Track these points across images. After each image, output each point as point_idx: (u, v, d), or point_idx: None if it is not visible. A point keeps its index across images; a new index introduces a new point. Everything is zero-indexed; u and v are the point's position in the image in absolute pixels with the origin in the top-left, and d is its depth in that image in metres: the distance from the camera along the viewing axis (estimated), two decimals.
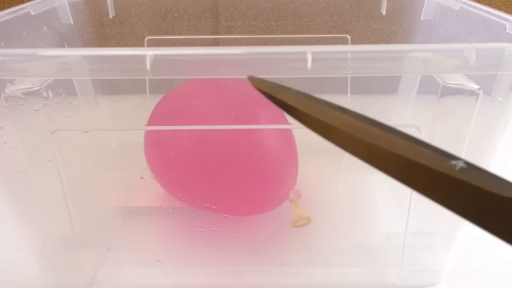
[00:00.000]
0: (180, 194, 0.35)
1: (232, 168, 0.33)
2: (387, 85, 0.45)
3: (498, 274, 0.34)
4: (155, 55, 0.23)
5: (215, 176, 0.33)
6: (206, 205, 0.34)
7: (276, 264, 0.34)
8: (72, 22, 0.42)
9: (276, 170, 0.34)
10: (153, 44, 0.51)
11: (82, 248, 0.32)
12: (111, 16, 0.47)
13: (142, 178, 0.36)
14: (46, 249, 0.32)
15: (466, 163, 0.10)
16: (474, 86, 0.26)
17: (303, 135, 0.36)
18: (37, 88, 0.26)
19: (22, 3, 0.35)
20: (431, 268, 0.33)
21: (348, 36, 0.52)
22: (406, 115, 0.41)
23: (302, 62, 0.23)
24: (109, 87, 0.47)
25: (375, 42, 0.53)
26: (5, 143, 0.28)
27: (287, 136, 0.35)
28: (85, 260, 0.33)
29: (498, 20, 0.30)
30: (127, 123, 0.40)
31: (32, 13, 0.36)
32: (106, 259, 0.35)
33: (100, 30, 0.48)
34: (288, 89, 0.13)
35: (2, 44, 0.31)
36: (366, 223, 0.37)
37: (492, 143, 0.28)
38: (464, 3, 0.36)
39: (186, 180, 0.34)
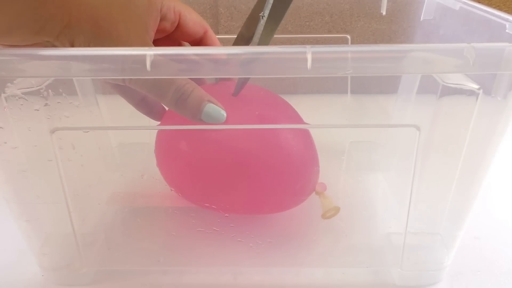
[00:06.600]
0: (195, 195, 0.35)
1: (257, 167, 0.32)
2: (387, 85, 0.45)
3: (498, 274, 0.34)
4: (155, 55, 0.23)
5: (237, 176, 0.32)
6: (227, 206, 0.34)
7: (276, 264, 0.34)
8: None
9: (300, 169, 0.34)
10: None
11: (82, 247, 0.32)
12: None
13: (142, 177, 0.36)
14: (47, 248, 0.32)
15: None
16: (474, 86, 0.26)
17: None
18: (37, 88, 0.26)
19: None
20: (431, 267, 0.33)
21: (348, 36, 0.52)
22: (406, 115, 0.41)
23: (302, 62, 0.23)
24: (109, 87, 0.47)
25: (375, 42, 0.53)
26: (6, 142, 0.28)
27: (306, 136, 0.35)
28: (85, 259, 0.33)
29: (498, 20, 0.30)
30: (127, 123, 0.40)
31: None
32: (107, 259, 0.35)
33: None
34: None
35: None
36: (366, 223, 0.37)
37: (492, 143, 0.28)
38: (464, 3, 0.36)
39: (207, 181, 0.33)
